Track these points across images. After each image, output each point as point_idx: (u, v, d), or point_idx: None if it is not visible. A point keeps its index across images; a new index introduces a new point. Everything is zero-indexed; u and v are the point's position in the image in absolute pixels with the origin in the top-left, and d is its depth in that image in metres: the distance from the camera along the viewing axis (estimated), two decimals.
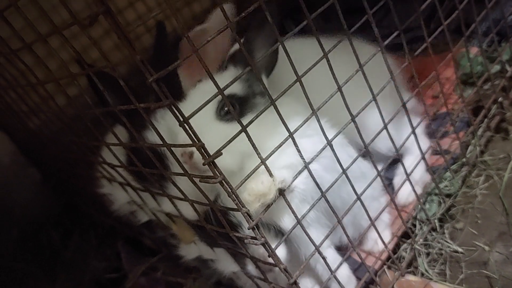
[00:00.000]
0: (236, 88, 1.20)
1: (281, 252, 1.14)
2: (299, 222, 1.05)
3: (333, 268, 1.18)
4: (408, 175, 1.33)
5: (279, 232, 1.18)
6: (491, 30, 1.79)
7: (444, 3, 2.17)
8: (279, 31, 0.96)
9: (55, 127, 1.70)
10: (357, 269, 1.39)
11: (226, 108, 1.16)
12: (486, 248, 1.37)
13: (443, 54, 2.03)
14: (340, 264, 1.20)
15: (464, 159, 1.64)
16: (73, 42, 0.92)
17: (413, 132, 1.32)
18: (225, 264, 1.30)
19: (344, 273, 1.32)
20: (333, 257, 1.28)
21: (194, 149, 0.92)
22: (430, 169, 1.50)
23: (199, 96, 1.18)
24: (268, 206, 1.01)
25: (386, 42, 1.21)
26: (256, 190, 1.00)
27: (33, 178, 2.50)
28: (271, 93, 0.97)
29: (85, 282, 1.93)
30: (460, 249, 1.40)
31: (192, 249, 1.39)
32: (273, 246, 1.01)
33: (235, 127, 1.06)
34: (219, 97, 0.89)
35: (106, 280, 1.91)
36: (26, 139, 2.19)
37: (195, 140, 0.86)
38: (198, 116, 0.84)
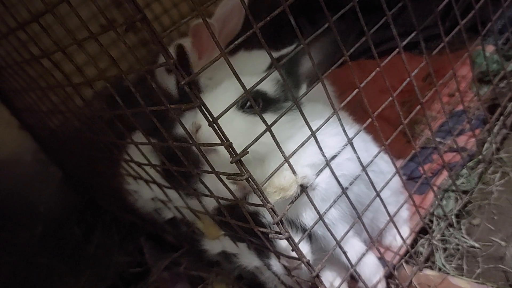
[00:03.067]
0: (268, 87, 1.23)
1: (305, 248, 1.18)
2: (321, 218, 1.09)
3: (359, 257, 1.23)
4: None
5: (305, 231, 1.22)
6: (507, 28, 1.80)
7: (459, 1, 2.19)
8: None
9: (77, 125, 1.76)
10: None
11: (249, 103, 1.18)
12: (503, 243, 1.40)
13: (458, 52, 2.05)
14: (361, 257, 1.23)
15: (480, 156, 1.67)
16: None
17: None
18: (249, 258, 1.34)
19: (372, 262, 1.35)
20: (358, 246, 1.31)
21: (202, 124, 1.08)
22: (447, 166, 1.52)
23: (227, 91, 1.22)
24: (292, 202, 1.05)
25: (404, 42, 1.24)
26: (277, 183, 1.05)
27: (55, 176, 2.56)
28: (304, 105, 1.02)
29: (109, 277, 1.98)
30: (476, 244, 1.43)
31: (216, 244, 1.43)
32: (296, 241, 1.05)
33: (256, 120, 1.08)
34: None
35: (129, 274, 1.96)
36: (48, 138, 2.25)
37: (223, 139, 0.90)
38: (220, 107, 0.89)
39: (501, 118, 1.76)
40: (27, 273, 2.19)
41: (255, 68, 1.41)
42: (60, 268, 2.15)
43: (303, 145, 1.03)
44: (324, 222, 1.10)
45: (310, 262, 1.08)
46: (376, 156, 1.21)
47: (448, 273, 1.38)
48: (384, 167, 1.38)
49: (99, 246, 2.21)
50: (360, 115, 1.34)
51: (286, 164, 1.01)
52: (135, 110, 1.08)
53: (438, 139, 1.81)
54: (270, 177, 0.99)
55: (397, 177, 1.31)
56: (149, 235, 2.07)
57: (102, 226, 2.31)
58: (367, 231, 1.22)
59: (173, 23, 2.60)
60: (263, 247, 1.19)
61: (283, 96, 1.25)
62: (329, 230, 1.12)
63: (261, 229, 1.08)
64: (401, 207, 1.35)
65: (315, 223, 1.09)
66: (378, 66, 1.17)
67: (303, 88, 1.27)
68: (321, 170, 1.10)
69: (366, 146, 1.33)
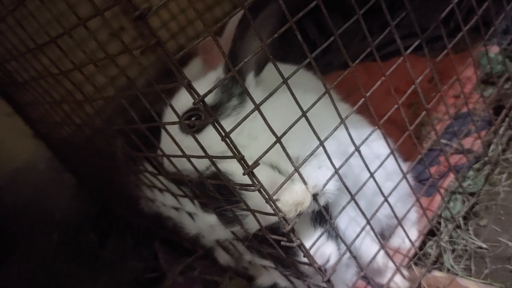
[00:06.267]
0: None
1: (330, 248, 1.21)
2: (331, 225, 1.13)
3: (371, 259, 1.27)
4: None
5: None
6: (510, 29, 1.82)
7: (462, 3, 2.21)
8: None
9: (89, 133, 1.81)
10: None
11: (193, 119, 1.20)
12: (510, 243, 1.43)
13: (463, 53, 2.07)
14: (373, 258, 1.27)
15: (486, 158, 1.69)
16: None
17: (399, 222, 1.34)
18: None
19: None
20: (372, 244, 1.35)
21: None
22: (454, 169, 1.55)
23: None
24: (301, 213, 1.09)
25: (408, 51, 1.27)
26: (291, 201, 1.06)
27: (69, 183, 2.61)
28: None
29: (125, 282, 2.03)
30: (484, 245, 1.46)
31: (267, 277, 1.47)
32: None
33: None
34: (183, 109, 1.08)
35: (145, 279, 2.01)
36: (61, 146, 2.30)
37: (236, 152, 0.94)
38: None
39: (507, 119, 1.78)
40: (46, 280, 2.24)
41: None
42: (78, 274, 2.20)
43: (312, 154, 1.07)
44: (335, 230, 1.13)
45: (336, 262, 1.12)
46: (383, 162, 1.24)
47: (456, 274, 1.41)
48: (389, 165, 1.40)
49: (114, 251, 2.25)
50: (368, 115, 1.36)
51: (293, 177, 1.03)
52: (149, 124, 1.13)
53: (444, 141, 1.84)
54: (281, 187, 1.01)
55: (405, 180, 1.34)
56: (163, 240, 2.11)
57: (117, 232, 2.36)
58: (375, 235, 1.26)
59: (163, 24, 2.64)
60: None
61: (226, 96, 1.22)
62: (339, 236, 1.15)
63: (274, 236, 1.12)
64: (408, 211, 1.38)
65: (325, 230, 1.13)
66: (383, 74, 1.21)
67: (249, 78, 1.24)
68: (330, 178, 1.13)
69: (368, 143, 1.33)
